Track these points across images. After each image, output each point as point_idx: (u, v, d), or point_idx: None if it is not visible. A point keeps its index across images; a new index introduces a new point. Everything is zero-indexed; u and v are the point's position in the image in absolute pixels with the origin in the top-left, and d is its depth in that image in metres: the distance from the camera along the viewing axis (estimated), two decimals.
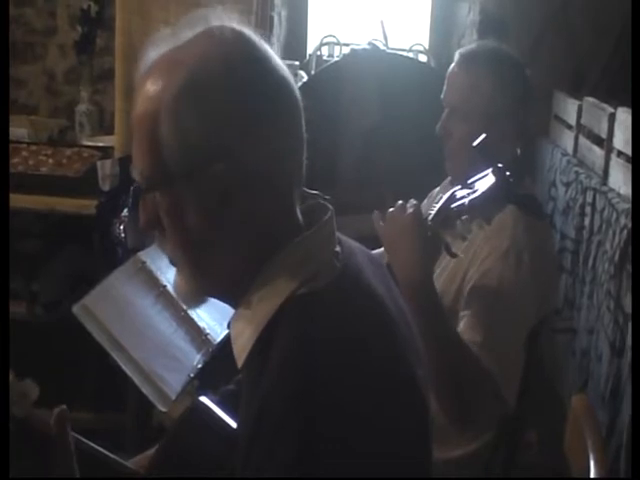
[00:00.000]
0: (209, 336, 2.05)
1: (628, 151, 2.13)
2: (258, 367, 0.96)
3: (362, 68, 2.94)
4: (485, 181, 1.50)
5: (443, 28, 3.52)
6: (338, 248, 1.03)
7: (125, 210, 2.51)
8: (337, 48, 3.47)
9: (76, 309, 1.91)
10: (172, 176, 0.97)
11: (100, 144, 2.98)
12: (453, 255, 1.60)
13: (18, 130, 3.01)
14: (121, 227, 2.50)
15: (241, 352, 1.00)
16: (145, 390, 1.87)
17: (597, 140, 2.45)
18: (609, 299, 2.07)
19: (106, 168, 2.61)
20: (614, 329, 2.01)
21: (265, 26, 2.78)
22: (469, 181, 1.54)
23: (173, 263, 1.03)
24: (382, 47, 3.10)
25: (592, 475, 1.29)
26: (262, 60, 0.98)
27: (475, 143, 1.58)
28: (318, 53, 3.43)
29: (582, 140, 2.61)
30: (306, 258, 0.99)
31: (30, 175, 2.70)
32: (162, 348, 1.97)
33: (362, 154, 2.96)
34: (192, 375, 1.96)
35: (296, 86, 1.02)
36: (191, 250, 1.00)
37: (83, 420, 2.65)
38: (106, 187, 2.61)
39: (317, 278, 0.97)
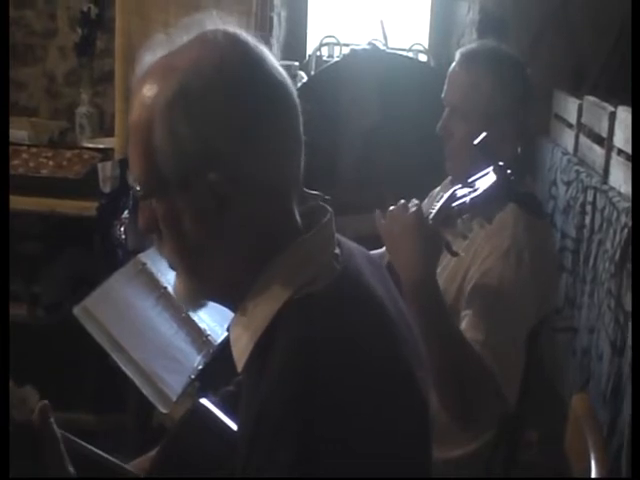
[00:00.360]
0: (210, 337, 2.05)
1: (628, 150, 2.13)
2: (258, 369, 0.96)
3: (362, 68, 2.94)
4: (486, 180, 1.50)
5: (443, 27, 3.52)
6: (337, 250, 1.03)
7: (125, 212, 2.51)
8: (337, 48, 3.47)
9: (77, 311, 1.91)
10: (167, 183, 0.96)
11: (100, 146, 2.98)
12: (454, 254, 1.60)
13: (18, 132, 3.01)
14: (122, 229, 2.50)
15: (241, 356, 1.00)
16: (146, 391, 1.87)
17: (597, 139, 2.45)
18: (610, 298, 2.07)
19: (106, 170, 2.61)
20: (615, 328, 2.01)
21: (265, 27, 2.78)
22: (470, 180, 1.54)
23: (172, 267, 1.03)
24: (382, 47, 3.10)
25: (593, 475, 1.29)
26: (257, 63, 0.98)
27: (476, 141, 1.58)
28: (318, 53, 3.43)
29: (582, 139, 2.61)
30: (305, 261, 0.99)
31: (31, 177, 2.70)
32: (163, 349, 1.97)
33: (362, 154, 2.96)
34: (193, 376, 1.96)
35: (293, 88, 1.01)
36: (188, 256, 0.99)
37: (84, 421, 2.66)
38: (106, 189, 2.61)
39: (316, 280, 0.97)
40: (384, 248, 1.68)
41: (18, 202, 2.54)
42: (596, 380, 2.14)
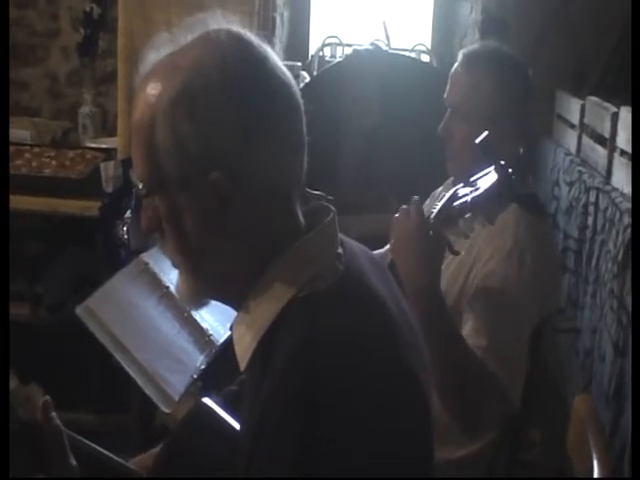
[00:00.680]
0: (212, 337, 2.05)
1: (631, 150, 2.13)
2: (261, 369, 0.96)
3: (364, 68, 2.94)
4: (487, 179, 1.50)
5: (445, 28, 3.52)
6: (340, 250, 1.03)
7: (128, 212, 2.51)
8: (339, 49, 3.47)
9: (79, 311, 1.91)
10: (169, 182, 0.96)
11: (103, 146, 2.99)
12: (455, 253, 1.60)
13: (21, 132, 3.01)
14: (124, 229, 2.51)
15: (243, 355, 1.00)
16: (148, 391, 1.87)
17: (600, 139, 2.45)
18: (612, 299, 2.07)
19: (109, 170, 2.61)
20: (617, 329, 2.01)
21: (267, 27, 2.78)
22: (471, 179, 1.53)
23: (175, 266, 1.03)
24: (384, 47, 3.10)
25: (595, 475, 1.29)
26: (260, 63, 0.98)
27: (477, 140, 1.58)
28: (320, 54, 3.43)
29: (585, 139, 2.61)
30: (307, 260, 0.99)
31: (33, 177, 2.71)
32: (165, 349, 1.97)
33: (364, 154, 2.96)
34: (195, 376, 1.96)
35: (297, 88, 1.01)
36: (191, 255, 0.99)
37: (86, 421, 2.66)
38: (109, 189, 2.62)
39: (319, 280, 0.97)
40: (386, 248, 1.68)
41: (21, 202, 2.55)
42: (598, 381, 2.14)
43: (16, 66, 3.32)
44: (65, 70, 3.41)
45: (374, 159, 2.94)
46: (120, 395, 2.53)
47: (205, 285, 1.02)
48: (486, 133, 1.58)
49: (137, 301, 2.01)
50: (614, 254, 2.10)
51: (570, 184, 2.62)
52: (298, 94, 1.01)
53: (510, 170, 1.47)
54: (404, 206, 1.61)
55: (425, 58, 3.42)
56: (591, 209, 2.36)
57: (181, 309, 2.02)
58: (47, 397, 1.01)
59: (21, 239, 2.79)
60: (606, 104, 2.42)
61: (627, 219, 2.02)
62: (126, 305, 1.99)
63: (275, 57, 1.00)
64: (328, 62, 3.34)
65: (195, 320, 2.04)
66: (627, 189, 2.13)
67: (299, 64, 3.20)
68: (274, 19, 3.09)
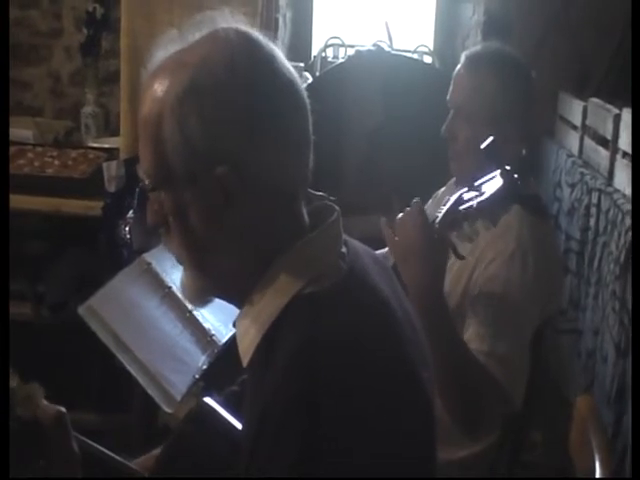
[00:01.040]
0: (214, 337, 2.05)
1: (631, 152, 2.13)
2: (262, 367, 0.96)
3: (367, 69, 2.95)
4: (492, 183, 1.50)
5: (448, 29, 3.52)
6: (344, 249, 1.03)
7: (130, 211, 2.51)
8: (342, 50, 3.47)
9: (82, 310, 1.92)
10: (175, 177, 0.97)
11: (106, 146, 2.99)
12: (460, 257, 1.60)
13: (24, 132, 3.02)
14: (126, 228, 2.51)
15: (246, 351, 1.00)
16: (150, 391, 1.87)
17: (602, 141, 2.45)
18: (614, 300, 2.07)
19: (112, 170, 2.62)
20: (619, 330, 2.01)
21: (270, 28, 2.78)
22: (476, 183, 1.53)
23: (179, 262, 1.04)
24: (387, 48, 3.11)
25: (597, 475, 1.29)
26: (267, 61, 0.98)
27: (483, 145, 1.57)
28: (323, 55, 3.43)
29: (587, 141, 2.61)
30: (311, 259, 0.99)
31: (36, 177, 2.71)
32: (167, 349, 1.97)
33: (367, 155, 2.96)
34: (197, 376, 1.96)
35: (303, 88, 1.01)
36: (195, 250, 1.00)
37: (88, 421, 2.66)
38: (112, 188, 2.62)
39: (323, 279, 0.97)
40: (387, 248, 1.69)
41: (23, 201, 2.55)
42: (600, 382, 2.14)
43: (19, 66, 3.32)
44: (68, 70, 3.41)
45: (376, 160, 2.94)
46: (122, 395, 2.54)
47: (209, 282, 1.02)
48: (491, 138, 1.57)
49: (139, 301, 2.02)
50: (616, 255, 2.10)
51: (572, 186, 2.61)
52: (304, 93, 1.01)
53: (515, 176, 1.47)
54: (407, 208, 1.61)
55: (427, 59, 3.42)
56: (593, 211, 2.36)
57: (183, 309, 2.02)
58: (63, 410, 1.01)
59: (23, 239, 2.79)
60: (608, 106, 2.42)
61: (629, 221, 2.02)
62: (128, 305, 1.99)
63: (282, 56, 1.01)
64: (330, 63, 3.34)
65: (197, 320, 2.05)
66: (629, 191, 2.13)
67: (302, 65, 3.20)
68: (277, 20, 3.10)
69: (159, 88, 0.97)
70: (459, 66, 1.88)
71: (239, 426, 1.14)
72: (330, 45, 3.47)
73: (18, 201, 2.46)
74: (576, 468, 1.40)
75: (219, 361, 2.01)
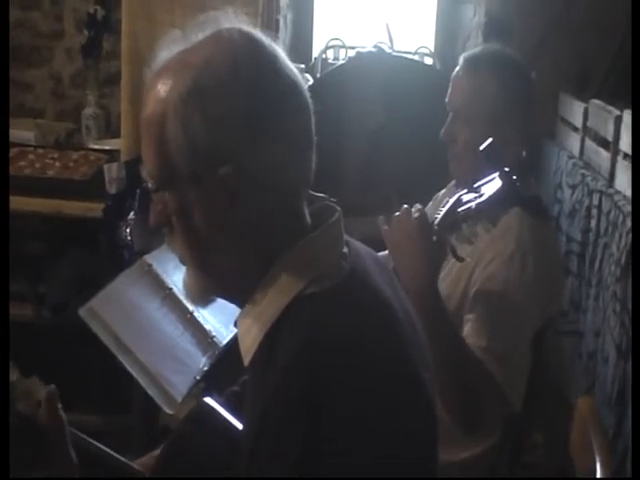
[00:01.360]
0: (215, 339, 2.05)
1: (631, 153, 2.13)
2: (263, 367, 0.96)
3: (367, 71, 2.95)
4: (492, 185, 1.50)
5: (448, 31, 3.52)
6: (346, 249, 1.03)
7: (131, 213, 2.51)
8: (342, 51, 3.48)
9: (83, 312, 1.92)
10: (179, 177, 0.97)
11: (107, 147, 2.99)
12: (460, 259, 1.60)
13: (25, 133, 3.02)
14: (127, 230, 2.51)
15: (248, 350, 1.01)
16: (151, 392, 1.87)
17: (603, 142, 2.45)
18: (615, 302, 2.07)
19: (112, 171, 2.62)
20: (620, 332, 2.01)
21: (271, 29, 2.78)
22: (475, 185, 1.53)
23: (182, 262, 1.04)
24: (387, 50, 3.11)
25: (598, 476, 1.29)
26: (270, 62, 0.99)
27: (481, 147, 1.57)
28: (324, 56, 3.43)
29: (588, 142, 2.61)
30: (313, 259, 0.99)
31: (37, 178, 2.71)
32: (168, 351, 1.97)
33: (367, 156, 2.96)
34: (198, 378, 1.96)
35: (306, 88, 1.02)
36: (198, 250, 1.00)
37: (89, 422, 2.66)
38: (112, 190, 2.62)
39: (324, 279, 0.97)
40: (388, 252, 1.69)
41: (24, 203, 2.55)
42: (601, 383, 2.14)
43: (20, 67, 3.33)
44: (69, 71, 3.41)
45: (377, 161, 2.94)
46: (123, 396, 2.54)
47: (212, 281, 1.03)
48: (490, 140, 1.57)
49: (140, 302, 2.02)
50: (617, 257, 2.10)
51: (573, 187, 2.62)
52: (307, 94, 1.01)
53: (514, 177, 1.47)
54: (405, 206, 1.61)
55: (428, 61, 3.42)
56: (594, 212, 2.36)
57: (184, 310, 2.02)
58: (53, 386, 1.01)
59: (24, 240, 2.80)
60: (609, 107, 2.42)
61: (630, 222, 2.02)
62: (129, 306, 1.99)
63: (284, 56, 1.01)
64: (331, 64, 3.35)
65: (198, 322, 2.05)
66: (630, 192, 2.13)
67: (302, 66, 3.19)
68: (277, 21, 3.10)
69: (162, 89, 0.98)
70: (457, 68, 1.88)
71: (240, 426, 1.15)
72: (331, 46, 3.47)
73: (19, 202, 2.47)
74: (577, 469, 1.40)
75: (220, 362, 2.01)
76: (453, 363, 1.55)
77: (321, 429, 0.88)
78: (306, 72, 3.20)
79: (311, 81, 3.09)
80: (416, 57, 3.39)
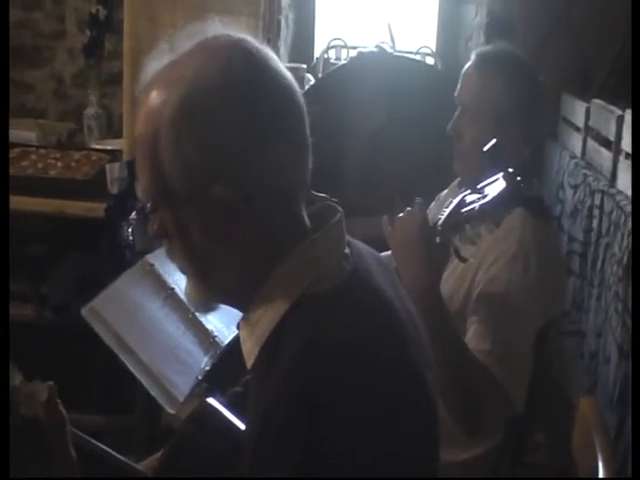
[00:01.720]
0: (217, 339, 2.05)
1: (632, 153, 2.12)
2: (266, 368, 0.96)
3: (369, 71, 2.95)
4: (495, 186, 1.49)
5: (450, 31, 3.52)
6: (347, 250, 1.03)
7: (133, 213, 2.51)
8: (344, 51, 3.48)
9: (85, 312, 1.91)
10: (173, 195, 0.97)
11: (108, 147, 2.99)
12: (463, 260, 1.60)
13: (27, 134, 3.02)
14: (129, 230, 2.51)
15: (250, 353, 1.01)
16: (153, 392, 1.87)
17: (605, 142, 2.45)
18: (617, 302, 2.07)
19: (114, 171, 2.62)
20: (622, 332, 2.01)
21: (272, 29, 2.79)
22: (479, 186, 1.53)
23: (183, 272, 1.04)
24: (389, 50, 3.11)
25: (600, 476, 1.29)
26: (260, 68, 0.98)
27: (485, 148, 1.57)
28: (325, 56, 3.43)
29: (590, 142, 2.60)
30: (314, 261, 0.99)
31: (39, 178, 2.71)
32: (170, 351, 1.97)
33: (369, 156, 2.96)
34: (200, 377, 1.96)
35: (299, 90, 1.01)
36: (198, 262, 1.00)
37: (91, 422, 2.66)
38: (114, 190, 2.62)
39: (325, 280, 0.97)
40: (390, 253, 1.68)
41: (26, 203, 2.55)
42: (603, 383, 2.14)
43: (22, 68, 3.33)
44: (71, 72, 3.42)
45: (378, 161, 2.94)
46: (125, 396, 2.54)
47: (213, 291, 1.03)
48: (494, 141, 1.57)
49: (142, 302, 2.01)
50: (619, 257, 2.09)
51: (575, 187, 2.61)
52: (300, 95, 1.00)
53: (518, 178, 1.47)
54: (408, 208, 1.61)
55: (430, 61, 3.42)
56: (596, 212, 2.36)
57: (186, 310, 2.02)
58: (51, 383, 1.02)
59: (26, 240, 2.80)
60: (611, 107, 2.42)
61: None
62: (131, 306, 1.99)
63: (276, 60, 1.00)
64: (333, 64, 3.35)
65: (200, 322, 2.05)
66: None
67: (304, 66, 3.20)
68: (279, 21, 3.10)
69: (152, 104, 0.97)
70: (468, 64, 1.88)
71: (242, 426, 1.15)
72: (332, 47, 3.47)
73: (21, 202, 2.47)
74: (579, 469, 1.40)
75: (222, 362, 2.01)
76: (454, 364, 1.55)
77: (322, 430, 0.88)
78: (308, 72, 3.21)
79: (313, 81, 3.10)
80: (418, 57, 3.39)
